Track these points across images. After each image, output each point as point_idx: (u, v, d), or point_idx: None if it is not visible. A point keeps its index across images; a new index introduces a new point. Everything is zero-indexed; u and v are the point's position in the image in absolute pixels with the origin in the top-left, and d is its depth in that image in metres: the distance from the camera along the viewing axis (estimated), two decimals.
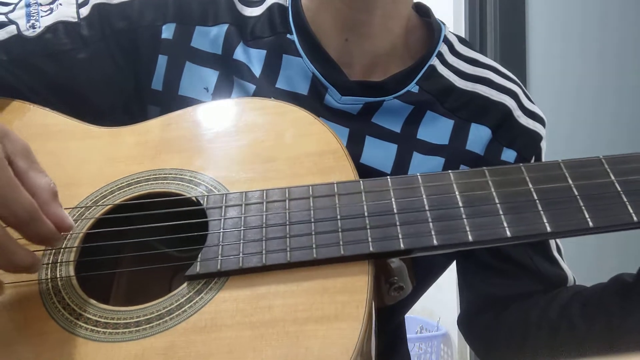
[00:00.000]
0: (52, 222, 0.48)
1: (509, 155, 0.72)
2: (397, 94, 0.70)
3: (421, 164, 0.69)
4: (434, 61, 0.73)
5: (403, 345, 0.85)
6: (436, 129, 0.71)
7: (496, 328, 0.75)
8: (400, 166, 0.69)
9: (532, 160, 0.74)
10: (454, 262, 0.81)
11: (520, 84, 0.78)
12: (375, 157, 0.69)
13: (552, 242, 0.75)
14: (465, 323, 0.81)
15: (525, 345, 0.70)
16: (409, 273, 0.56)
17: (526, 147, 0.73)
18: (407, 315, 0.86)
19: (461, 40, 0.78)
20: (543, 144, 0.75)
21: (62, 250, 0.54)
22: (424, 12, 0.77)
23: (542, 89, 1.91)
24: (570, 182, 0.50)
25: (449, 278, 0.83)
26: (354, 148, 0.69)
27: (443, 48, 0.74)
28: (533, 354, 0.70)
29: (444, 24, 0.77)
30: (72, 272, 0.53)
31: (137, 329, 0.48)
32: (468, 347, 1.92)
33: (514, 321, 0.72)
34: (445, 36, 0.75)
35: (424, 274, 0.71)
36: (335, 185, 0.54)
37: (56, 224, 0.48)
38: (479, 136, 0.72)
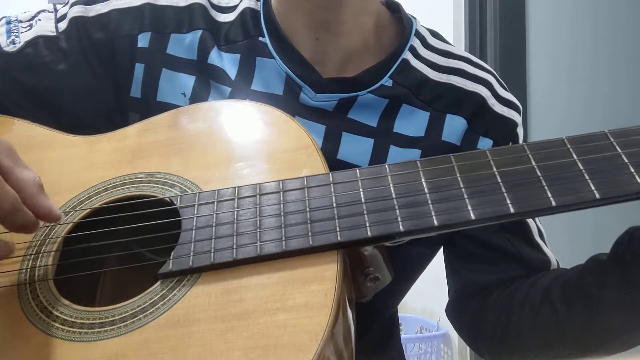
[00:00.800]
0: (40, 213, 0.50)
1: (485, 143, 0.73)
2: (371, 88, 0.71)
3: (398, 157, 0.70)
4: (407, 55, 0.74)
5: (396, 341, 0.85)
6: (412, 121, 0.72)
7: (481, 315, 0.75)
8: (377, 160, 0.70)
9: None
10: (445, 271, 0.82)
11: (495, 73, 0.78)
12: (352, 153, 0.70)
13: (533, 227, 0.75)
14: (454, 312, 0.81)
15: (508, 331, 0.71)
16: (385, 263, 0.57)
17: (502, 134, 0.74)
18: (407, 315, 0.87)
19: (433, 33, 0.78)
20: (519, 131, 0.76)
21: (40, 254, 0.55)
22: (394, 8, 0.78)
23: (541, 89, 1.92)
24: (534, 163, 0.50)
25: None
26: (331, 144, 0.70)
27: (415, 42, 0.75)
28: (517, 339, 0.70)
29: (414, 18, 0.78)
30: (50, 275, 0.54)
31: (112, 327, 0.49)
32: (468, 347, 1.92)
33: (498, 307, 0.73)
34: (417, 30, 0.76)
35: (404, 265, 0.71)
36: (305, 178, 0.55)
37: (45, 214, 0.50)
38: (454, 127, 0.73)
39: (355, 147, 0.70)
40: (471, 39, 1.98)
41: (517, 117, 0.76)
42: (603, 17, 1.99)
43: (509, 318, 0.70)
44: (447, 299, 0.83)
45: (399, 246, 0.72)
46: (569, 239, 1.64)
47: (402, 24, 0.76)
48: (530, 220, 0.75)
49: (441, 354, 1.94)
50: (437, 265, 0.82)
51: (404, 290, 0.79)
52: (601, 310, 0.61)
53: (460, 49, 0.79)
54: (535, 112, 1.80)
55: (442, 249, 0.80)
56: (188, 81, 0.72)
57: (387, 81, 0.72)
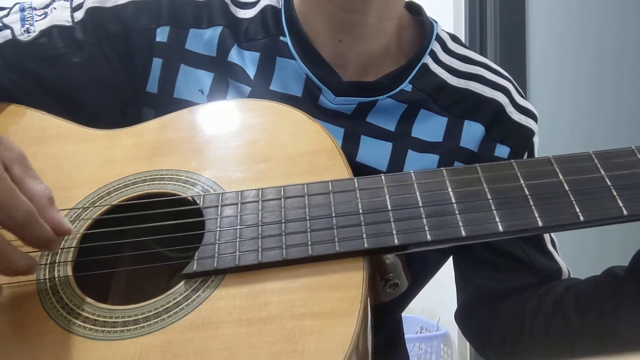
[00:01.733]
0: (50, 226, 0.49)
1: (502, 151, 0.73)
2: (391, 93, 0.71)
3: (416, 162, 0.70)
4: (427, 59, 0.73)
5: (401, 344, 0.86)
6: (430, 126, 0.72)
7: (492, 322, 0.75)
8: (396, 164, 0.70)
9: (525, 156, 0.74)
10: (451, 261, 0.82)
11: (512, 79, 0.79)
12: (371, 156, 0.70)
13: (546, 236, 0.75)
14: (462, 317, 0.82)
15: (520, 339, 0.71)
16: (404, 270, 0.57)
17: (519, 142, 0.74)
18: (407, 315, 0.87)
19: (453, 37, 0.78)
20: (535, 139, 0.76)
21: (60, 250, 0.55)
22: (416, 11, 0.78)
23: (541, 89, 1.92)
24: (561, 177, 0.50)
25: (449, 278, 0.83)
26: (349, 147, 0.69)
27: (435, 46, 0.75)
28: (528, 347, 0.71)
29: (435, 22, 0.77)
30: (70, 272, 0.53)
31: (135, 327, 0.48)
32: (468, 347, 1.93)
33: (509, 315, 0.73)
34: (437, 34, 0.76)
35: (419, 270, 0.71)
36: (330, 183, 0.54)
37: (55, 227, 0.49)
38: (472, 133, 0.73)
39: (373, 151, 0.70)
40: (471, 39, 1.98)
41: (534, 126, 0.76)
42: (603, 17, 1.99)
43: (521, 326, 0.70)
44: (447, 299, 0.84)
45: (415, 252, 0.72)
46: (576, 248, 1.65)
47: (423, 26, 0.76)
48: None
49: (441, 354, 1.95)
50: None
51: (413, 294, 0.79)
52: (615, 323, 0.61)
53: (478, 54, 0.79)
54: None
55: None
56: (206, 78, 0.71)
57: (406, 86, 0.72)
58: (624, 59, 1.98)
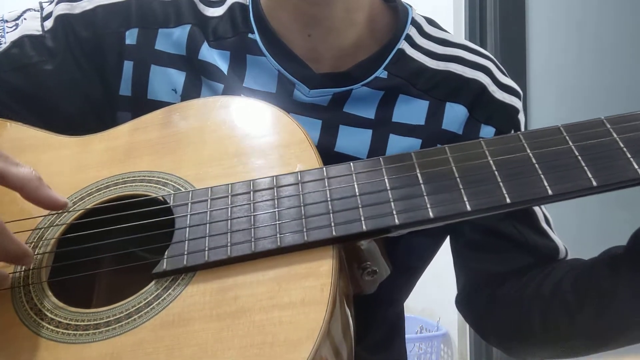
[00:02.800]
0: (46, 204, 0.51)
1: (487, 131, 0.72)
2: (365, 81, 0.70)
3: (398, 146, 0.69)
4: (403, 45, 0.72)
5: (400, 340, 0.85)
6: (411, 110, 0.71)
7: (493, 306, 0.74)
8: (377, 150, 0.69)
9: None
10: (452, 260, 0.81)
11: (493, 58, 0.77)
12: (350, 145, 0.69)
13: (539, 214, 0.74)
14: (463, 302, 0.81)
15: (520, 323, 0.70)
16: (383, 256, 0.56)
17: (504, 121, 0.73)
18: (407, 315, 0.86)
19: (429, 21, 0.77)
20: (520, 117, 0.75)
21: (34, 256, 0.55)
22: None
23: (542, 89, 1.91)
24: (529, 151, 0.50)
25: (449, 278, 0.83)
26: (328, 138, 0.69)
27: (412, 31, 0.74)
28: (528, 331, 0.70)
29: (410, 7, 0.76)
30: (43, 278, 0.53)
31: (107, 328, 0.48)
32: (468, 347, 1.92)
33: (509, 299, 0.72)
34: (413, 18, 0.75)
35: (405, 258, 0.70)
36: (298, 174, 0.54)
37: (51, 204, 0.51)
38: (455, 115, 0.71)
39: (353, 139, 0.69)
40: (471, 39, 1.97)
41: (517, 103, 0.75)
42: (603, 16, 1.98)
43: (520, 310, 0.69)
44: (447, 299, 0.83)
45: (399, 238, 0.71)
46: (576, 233, 1.63)
47: (397, 12, 0.75)
48: (536, 207, 0.74)
49: (441, 354, 1.94)
50: (437, 266, 0.81)
51: (408, 283, 0.78)
52: (614, 303, 0.60)
53: (457, 36, 0.78)
54: (536, 112, 1.80)
55: (447, 240, 0.79)
56: (178, 77, 0.71)
57: (381, 73, 0.71)
58: (624, 59, 1.97)
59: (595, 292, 0.62)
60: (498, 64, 0.77)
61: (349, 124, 0.70)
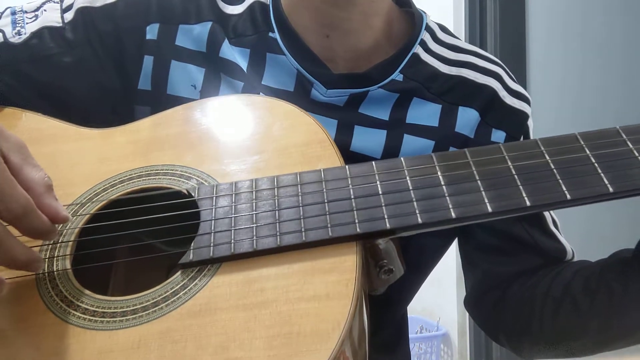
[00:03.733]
0: (46, 214, 0.49)
1: (498, 136, 0.74)
2: (382, 83, 0.72)
3: (412, 146, 0.71)
4: (417, 49, 0.74)
5: (405, 342, 0.86)
6: (424, 113, 0.73)
7: (503, 306, 0.76)
8: (391, 150, 0.71)
9: (521, 139, 0.75)
10: (449, 262, 0.82)
11: (502, 64, 0.80)
12: (365, 144, 0.71)
13: (548, 217, 0.76)
14: (472, 303, 0.82)
15: (530, 324, 0.72)
16: (399, 256, 0.58)
17: (514, 126, 0.75)
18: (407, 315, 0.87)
19: (442, 28, 0.79)
20: (530, 123, 0.77)
21: (58, 245, 0.55)
22: (404, 3, 0.79)
23: (542, 89, 1.93)
24: (548, 157, 0.51)
25: (449, 278, 0.84)
26: (343, 138, 0.70)
27: (426, 36, 0.76)
28: (538, 332, 0.71)
29: (425, 13, 0.78)
30: (68, 266, 0.54)
31: (134, 316, 0.49)
32: (468, 347, 1.94)
33: (519, 300, 0.74)
34: (427, 24, 0.77)
35: (417, 258, 0.72)
36: (322, 171, 0.55)
37: (51, 215, 0.49)
38: (467, 119, 0.74)
39: (368, 139, 0.71)
40: (471, 39, 1.99)
41: (527, 109, 0.77)
42: (603, 17, 2.01)
43: (531, 311, 0.71)
44: (447, 299, 0.84)
45: (411, 237, 0.73)
46: (585, 236, 1.65)
47: (412, 18, 0.77)
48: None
49: (441, 354, 1.95)
50: (437, 266, 0.82)
51: (416, 283, 0.80)
52: (623, 305, 0.62)
53: (467, 43, 0.80)
54: (535, 112, 1.82)
55: (456, 241, 0.81)
56: (198, 74, 0.72)
57: (397, 76, 0.73)
58: (624, 57, 2.00)
59: (605, 295, 0.64)
60: (507, 70, 0.80)
61: (364, 125, 0.71)
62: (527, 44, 1.95)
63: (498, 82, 0.76)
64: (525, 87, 0.80)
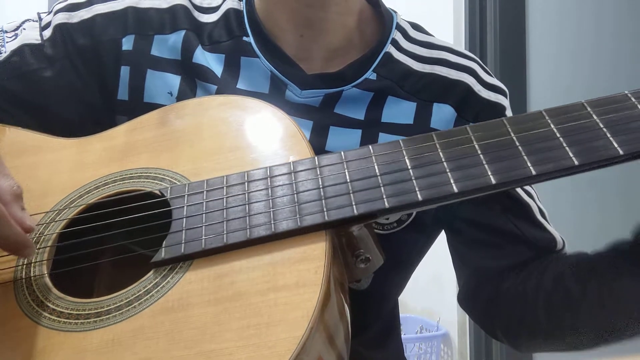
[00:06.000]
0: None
1: None
2: (355, 82, 0.72)
3: None
4: (389, 48, 0.75)
5: (396, 338, 0.86)
6: (399, 111, 0.73)
7: (497, 301, 0.75)
8: None
9: None
10: (451, 259, 0.82)
11: (477, 59, 0.79)
12: (340, 144, 0.71)
13: (534, 206, 0.75)
14: (466, 299, 0.82)
15: (525, 316, 0.71)
16: (375, 244, 0.58)
17: (491, 119, 0.74)
18: (407, 315, 0.87)
19: (414, 26, 0.80)
20: (507, 114, 0.77)
21: (36, 251, 0.56)
22: (374, 3, 0.79)
23: (542, 89, 1.92)
24: (513, 135, 0.51)
25: (449, 279, 0.83)
26: (318, 139, 0.71)
27: (397, 35, 0.76)
28: (534, 324, 0.71)
29: (395, 12, 0.79)
30: (45, 271, 0.54)
31: (108, 316, 0.50)
32: (468, 347, 1.92)
33: (513, 293, 0.73)
34: (397, 24, 0.77)
35: (397, 251, 0.72)
36: (291, 164, 0.56)
37: (17, 223, 0.50)
38: (442, 115, 0.73)
39: (343, 139, 0.71)
40: (471, 39, 1.99)
41: (504, 101, 0.77)
42: (604, 17, 2.00)
43: (524, 303, 0.70)
44: (447, 299, 0.84)
45: (393, 234, 0.73)
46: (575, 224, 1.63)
47: (383, 18, 0.77)
48: (529, 200, 0.75)
49: (441, 354, 1.94)
50: (437, 265, 0.82)
51: (401, 278, 0.79)
52: (616, 292, 0.61)
53: (441, 39, 0.80)
54: None
55: (443, 247, 0.80)
56: (174, 80, 0.73)
57: (371, 75, 0.73)
58: (622, 58, 1.99)
59: (598, 282, 0.63)
60: (482, 64, 0.80)
61: (339, 125, 0.72)
62: (527, 44, 1.95)
63: (472, 77, 0.76)
64: (525, 87, 0.80)
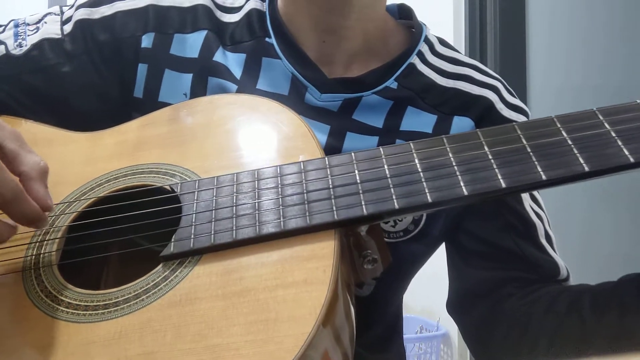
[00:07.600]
0: (33, 198, 0.51)
1: None
2: (376, 89, 0.72)
3: None
4: (414, 59, 0.75)
5: (398, 341, 0.85)
6: (419, 122, 0.73)
7: (495, 316, 0.74)
8: None
9: None
10: (447, 270, 0.81)
11: (502, 80, 0.79)
12: (356, 149, 0.70)
13: (540, 228, 0.74)
14: (457, 307, 0.81)
15: (526, 335, 0.69)
16: (382, 246, 0.58)
17: None
18: (407, 315, 0.86)
19: (442, 41, 0.80)
20: None
21: (45, 242, 0.56)
22: (406, 14, 0.79)
23: (542, 89, 1.92)
24: (524, 141, 0.51)
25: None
26: (335, 143, 0.71)
27: (424, 48, 0.77)
28: (533, 343, 0.68)
29: (425, 25, 0.79)
30: (54, 262, 0.55)
31: (116, 308, 0.50)
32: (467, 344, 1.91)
33: (517, 311, 0.71)
34: (426, 36, 0.78)
35: (402, 261, 0.72)
36: (301, 163, 0.56)
37: (36, 200, 0.51)
38: (461, 126, 0.73)
39: (359, 145, 0.71)
40: (471, 39, 1.99)
41: None
42: (603, 18, 2.00)
43: (527, 324, 0.68)
44: (446, 299, 0.83)
45: (398, 243, 0.73)
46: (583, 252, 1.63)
47: (412, 29, 0.77)
48: (537, 221, 0.74)
49: (441, 354, 1.94)
50: (437, 265, 0.82)
51: (402, 286, 0.79)
52: (633, 324, 0.59)
53: (467, 57, 0.80)
54: (535, 113, 1.81)
55: (443, 246, 0.80)
56: (189, 81, 0.73)
57: (392, 83, 0.73)
58: (625, 59, 1.99)
59: (616, 312, 0.61)
60: (506, 85, 0.79)
61: (357, 131, 0.72)
62: (527, 44, 1.95)
63: (495, 95, 0.76)
64: (525, 89, 0.80)
